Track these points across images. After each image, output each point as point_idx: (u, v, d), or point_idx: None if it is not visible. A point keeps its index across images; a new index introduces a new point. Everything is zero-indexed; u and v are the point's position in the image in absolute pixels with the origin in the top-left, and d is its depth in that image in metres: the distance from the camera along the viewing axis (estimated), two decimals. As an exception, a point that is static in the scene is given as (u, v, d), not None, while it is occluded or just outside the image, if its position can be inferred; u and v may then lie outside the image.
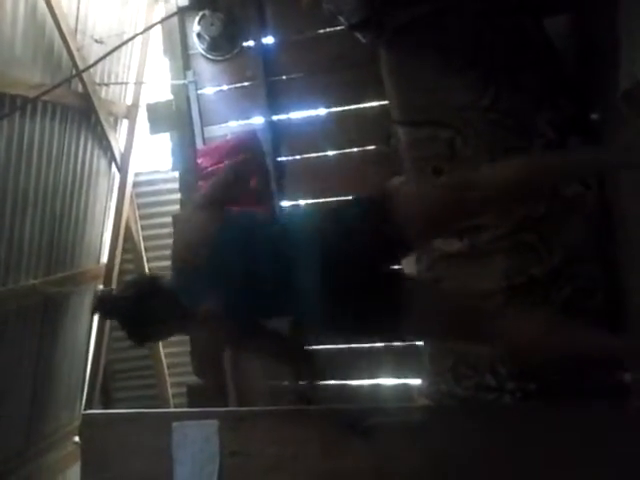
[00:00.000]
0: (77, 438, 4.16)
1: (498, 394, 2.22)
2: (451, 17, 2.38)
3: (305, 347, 1.95)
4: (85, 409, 4.45)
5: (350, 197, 1.91)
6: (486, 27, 2.37)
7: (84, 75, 3.90)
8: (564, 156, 1.87)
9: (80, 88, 4.06)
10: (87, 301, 4.63)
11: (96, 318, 3.66)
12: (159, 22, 3.51)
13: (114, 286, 4.45)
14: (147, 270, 4.81)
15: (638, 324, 2.01)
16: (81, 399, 4.68)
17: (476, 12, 2.39)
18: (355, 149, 3.34)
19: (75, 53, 3.82)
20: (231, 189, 1.96)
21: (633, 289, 2.06)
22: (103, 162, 4.54)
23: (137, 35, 3.65)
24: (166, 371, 4.83)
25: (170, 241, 3.92)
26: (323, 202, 3.18)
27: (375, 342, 1.96)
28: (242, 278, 1.77)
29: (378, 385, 3.24)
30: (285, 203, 3.50)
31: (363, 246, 1.68)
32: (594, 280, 2.23)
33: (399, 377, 3.17)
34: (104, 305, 2.02)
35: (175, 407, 4.63)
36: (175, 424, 2.28)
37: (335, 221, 1.76)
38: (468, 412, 2.04)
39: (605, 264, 2.23)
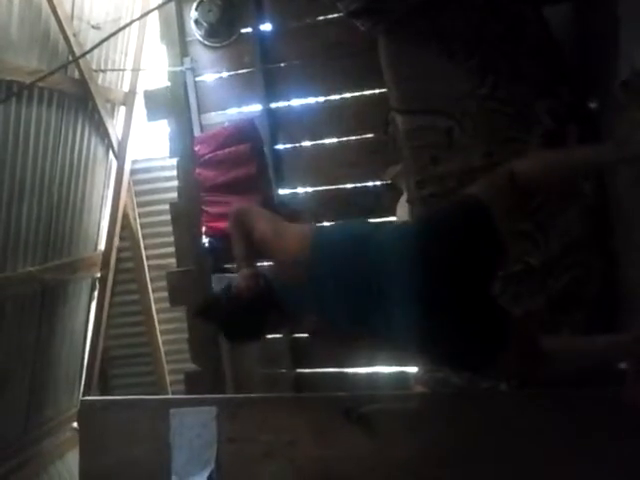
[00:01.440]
0: (75, 424, 4.19)
1: (494, 382, 2.23)
2: (450, 6, 2.37)
3: None
4: (83, 395, 4.47)
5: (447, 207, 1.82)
6: (485, 16, 2.35)
7: (80, 61, 3.88)
8: (566, 154, 1.86)
9: (77, 74, 4.04)
10: (85, 288, 4.64)
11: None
12: (156, 8, 3.48)
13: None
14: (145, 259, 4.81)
15: (633, 313, 2.02)
16: (79, 385, 4.71)
17: (476, 1, 2.37)
18: (353, 137, 3.34)
19: (71, 39, 3.79)
20: None
21: (628, 278, 2.06)
22: (100, 149, 4.52)
23: (134, 21, 3.61)
24: (164, 358, 4.85)
25: (168, 228, 3.97)
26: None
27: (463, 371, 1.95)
28: (345, 289, 1.73)
29: (375, 373, 3.26)
30: (283, 191, 3.50)
31: (475, 259, 1.60)
32: (590, 269, 2.24)
33: (396, 365, 3.19)
34: (209, 312, 2.02)
35: (173, 394, 4.65)
36: (173, 410, 2.30)
37: (446, 231, 1.64)
38: (464, 400, 2.05)
39: (601, 253, 2.23)
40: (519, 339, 1.64)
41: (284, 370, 3.38)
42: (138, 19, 3.75)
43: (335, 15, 3.17)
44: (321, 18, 3.32)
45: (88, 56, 3.92)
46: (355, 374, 3.28)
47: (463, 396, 2.07)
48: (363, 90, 3.28)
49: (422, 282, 1.59)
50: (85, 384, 4.64)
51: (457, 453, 1.97)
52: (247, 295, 1.86)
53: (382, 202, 3.20)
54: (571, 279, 2.23)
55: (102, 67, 4.19)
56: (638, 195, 1.74)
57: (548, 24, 2.37)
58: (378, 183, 3.29)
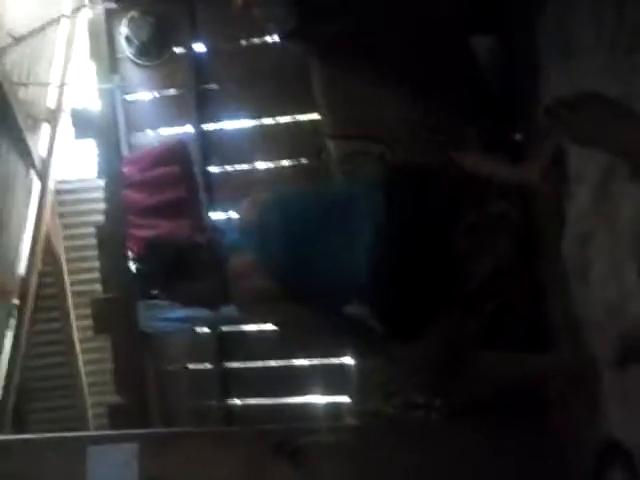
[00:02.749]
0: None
1: (425, 411, 2.21)
2: (382, 33, 2.39)
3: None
4: (-6, 434, 4.17)
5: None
6: (416, 44, 2.39)
7: (-1, 72, 3.68)
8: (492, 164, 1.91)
9: (-5, 86, 3.83)
10: (1, 315, 4.35)
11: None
12: (70, 16, 3.35)
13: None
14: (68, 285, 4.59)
15: (557, 340, 2.06)
16: (-9, 422, 4.38)
17: (407, 29, 2.41)
18: (287, 161, 3.31)
19: (-11, 49, 3.59)
20: None
21: (553, 305, 2.11)
22: (20, 168, 4.29)
23: (44, 27, 3.46)
24: (86, 390, 4.61)
25: (93, 252, 3.81)
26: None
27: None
28: (300, 245, 1.69)
29: (306, 403, 3.20)
30: (214, 215, 3.42)
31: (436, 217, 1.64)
32: (518, 295, 2.27)
33: (327, 395, 3.14)
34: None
35: (96, 428, 4.42)
36: (90, 448, 2.16)
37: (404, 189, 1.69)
38: (396, 430, 2.03)
39: (527, 281, 2.28)
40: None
41: (214, 402, 3.26)
42: (46, 27, 3.59)
43: (270, 38, 3.16)
44: (256, 40, 3.30)
45: (8, 67, 3.73)
46: (288, 405, 3.21)
47: (395, 427, 2.04)
48: (297, 114, 3.27)
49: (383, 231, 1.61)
50: (-3, 421, 4.32)
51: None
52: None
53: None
54: (498, 306, 2.26)
55: (24, 80, 4.00)
56: (559, 224, 1.78)
57: (475, 53, 2.43)
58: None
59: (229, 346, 3.26)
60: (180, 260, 1.74)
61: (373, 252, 1.61)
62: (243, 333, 3.27)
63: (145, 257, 1.92)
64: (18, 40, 3.23)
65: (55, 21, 3.72)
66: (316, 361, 3.11)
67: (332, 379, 3.03)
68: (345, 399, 2.80)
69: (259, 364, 3.25)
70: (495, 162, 2.11)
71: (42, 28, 3.56)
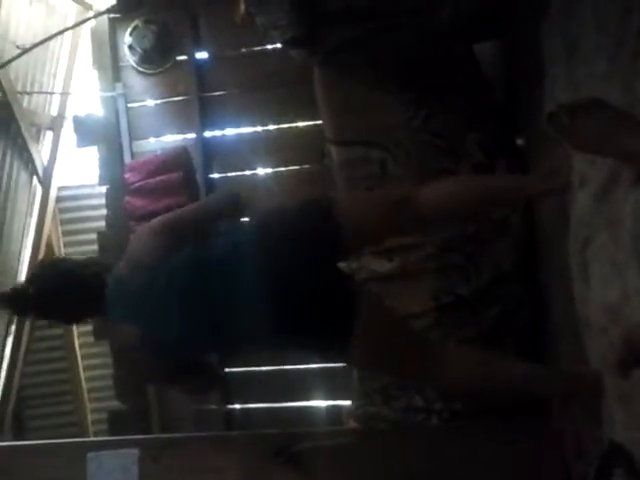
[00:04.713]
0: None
1: (426, 415, 2.21)
2: (385, 39, 2.41)
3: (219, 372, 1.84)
4: (-7, 440, 4.15)
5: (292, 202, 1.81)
6: (418, 50, 2.41)
7: (3, 81, 3.70)
8: (491, 181, 1.90)
9: (-1, 95, 3.85)
10: (1, 322, 4.35)
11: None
12: (73, 27, 3.38)
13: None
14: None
15: (559, 344, 2.07)
16: (-10, 429, 4.36)
17: (409, 35, 2.43)
18: (289, 168, 3.33)
19: (-6, 58, 3.62)
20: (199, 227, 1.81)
21: (554, 309, 2.11)
22: (23, 175, 4.30)
23: (50, 38, 3.48)
24: (86, 396, 4.60)
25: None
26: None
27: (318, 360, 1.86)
28: (182, 302, 1.66)
29: (306, 407, 3.19)
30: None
31: (310, 247, 1.61)
32: (519, 300, 2.28)
33: (328, 399, 3.13)
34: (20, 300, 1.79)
35: (96, 434, 4.40)
36: (90, 454, 2.16)
37: (279, 224, 1.67)
38: (396, 435, 2.02)
39: (530, 285, 2.28)
40: (370, 308, 1.65)
41: (214, 406, 3.25)
42: (52, 37, 3.62)
43: (272, 45, 3.18)
44: (258, 48, 3.33)
45: (12, 77, 3.75)
46: (287, 409, 3.20)
47: (396, 431, 2.04)
48: (300, 121, 3.29)
49: (271, 276, 1.60)
50: (-4, 427, 4.30)
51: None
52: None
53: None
54: (501, 310, 2.26)
55: (28, 89, 4.02)
56: (562, 228, 1.79)
57: (477, 60, 2.45)
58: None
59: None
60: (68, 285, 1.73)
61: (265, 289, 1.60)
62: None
63: (36, 277, 1.86)
64: (25, 51, 3.24)
65: (60, 32, 3.75)
66: (316, 365, 3.10)
67: (332, 383, 3.03)
68: (345, 403, 2.79)
69: (259, 368, 3.24)
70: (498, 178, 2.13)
71: (47, 39, 3.59)
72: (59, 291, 1.74)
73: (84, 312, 1.83)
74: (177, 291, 1.67)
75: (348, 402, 2.62)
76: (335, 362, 1.84)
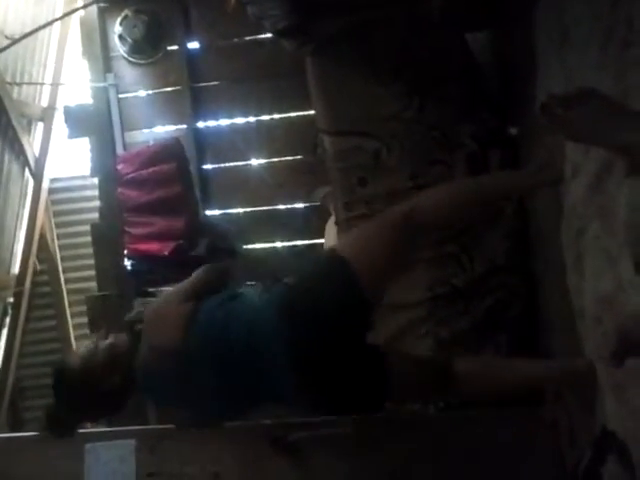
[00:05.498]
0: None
1: (423, 405, 2.22)
2: (377, 29, 2.40)
3: None
4: (-10, 432, 4.15)
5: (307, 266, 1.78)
6: (411, 40, 2.40)
7: (-7, 73, 3.67)
8: (485, 181, 1.89)
9: (-11, 87, 3.81)
10: (-5, 312, 4.35)
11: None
12: (62, 17, 3.34)
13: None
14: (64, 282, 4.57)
15: (553, 335, 2.08)
16: (-14, 421, 4.37)
17: (402, 25, 2.42)
18: (282, 158, 3.32)
19: (-18, 49, 3.58)
20: (211, 286, 1.76)
21: (548, 300, 2.12)
22: (15, 166, 4.28)
23: (39, 28, 3.45)
24: (82, 388, 4.59)
25: (88, 250, 3.81)
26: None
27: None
28: (217, 379, 1.63)
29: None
30: (209, 211, 3.42)
31: (343, 317, 1.57)
32: (513, 291, 2.29)
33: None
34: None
35: (92, 426, 4.40)
36: (87, 445, 2.16)
37: (310, 297, 1.60)
38: (394, 424, 2.03)
39: (524, 276, 2.29)
40: (397, 375, 1.63)
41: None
42: (42, 27, 3.58)
43: (264, 35, 3.16)
44: (249, 38, 3.31)
45: (1, 67, 3.72)
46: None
47: (393, 420, 2.05)
48: (292, 111, 3.28)
49: (299, 353, 1.56)
50: (-8, 419, 4.31)
51: (388, 478, 1.94)
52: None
53: (311, 224, 3.18)
54: (495, 301, 2.27)
55: (18, 80, 3.98)
56: (555, 218, 1.79)
57: (471, 50, 2.44)
58: (307, 205, 3.28)
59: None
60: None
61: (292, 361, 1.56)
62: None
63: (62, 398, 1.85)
64: (14, 42, 3.21)
65: (49, 23, 3.70)
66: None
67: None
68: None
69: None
70: (489, 174, 2.13)
71: (36, 29, 3.54)
72: (95, 406, 1.75)
73: (121, 406, 1.80)
74: (210, 366, 1.63)
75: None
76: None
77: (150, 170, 3.33)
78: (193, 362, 1.61)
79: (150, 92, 3.52)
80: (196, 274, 1.78)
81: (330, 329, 1.56)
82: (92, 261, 3.60)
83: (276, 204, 3.34)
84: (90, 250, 3.60)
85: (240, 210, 3.41)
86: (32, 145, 4.37)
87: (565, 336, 1.83)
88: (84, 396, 1.71)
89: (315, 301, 1.58)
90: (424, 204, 1.66)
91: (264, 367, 1.59)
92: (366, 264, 1.58)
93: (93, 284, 3.59)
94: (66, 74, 4.48)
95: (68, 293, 4.61)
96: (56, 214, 4.63)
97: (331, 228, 2.87)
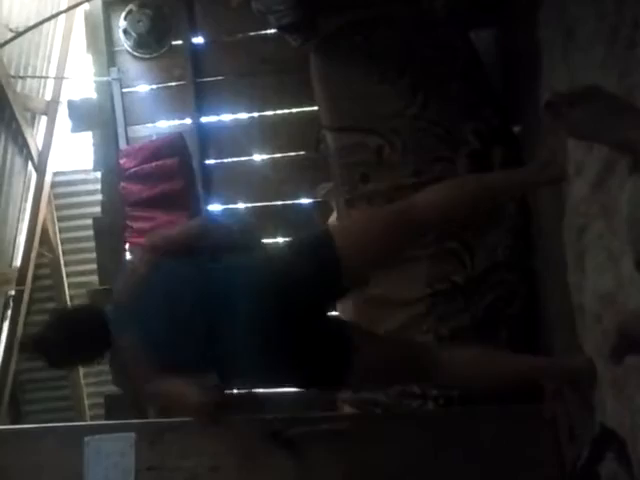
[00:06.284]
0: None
1: (422, 401, 2.23)
2: (381, 25, 2.40)
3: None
4: (-10, 424, 4.16)
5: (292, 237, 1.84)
6: (415, 37, 2.40)
7: (-4, 66, 3.67)
8: (487, 179, 1.89)
9: (-8, 80, 3.81)
10: (-4, 305, 4.35)
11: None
12: (67, 10, 3.35)
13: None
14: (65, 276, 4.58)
15: (553, 332, 2.08)
16: (-13, 414, 4.38)
17: (406, 22, 2.42)
18: (284, 154, 3.32)
19: (-14, 41, 3.58)
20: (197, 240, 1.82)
21: (548, 297, 2.12)
22: (18, 160, 4.27)
23: (44, 21, 3.45)
24: (82, 381, 4.60)
25: (90, 244, 3.82)
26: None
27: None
28: (171, 320, 1.68)
29: (303, 393, 3.20)
30: (212, 207, 3.42)
31: (310, 284, 1.61)
32: (514, 288, 2.29)
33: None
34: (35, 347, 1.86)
35: (92, 419, 4.42)
36: (87, 438, 2.17)
37: (280, 258, 1.70)
38: (392, 420, 2.04)
39: (524, 272, 2.29)
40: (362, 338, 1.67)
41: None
42: (47, 20, 3.58)
43: (268, 31, 3.16)
44: (254, 33, 3.30)
45: (5, 61, 3.71)
46: (285, 394, 3.22)
47: (391, 416, 2.05)
48: (295, 107, 3.28)
49: (259, 303, 1.61)
50: (-7, 412, 4.32)
51: (386, 474, 1.95)
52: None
53: (313, 220, 3.18)
54: (495, 298, 2.28)
55: (22, 73, 3.98)
56: (557, 216, 1.79)
57: (475, 48, 2.44)
58: (309, 200, 3.28)
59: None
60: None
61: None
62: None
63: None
64: (18, 35, 3.21)
65: (54, 16, 3.70)
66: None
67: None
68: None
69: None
70: (493, 172, 2.13)
71: (41, 22, 3.54)
72: (71, 343, 1.77)
73: (100, 349, 1.82)
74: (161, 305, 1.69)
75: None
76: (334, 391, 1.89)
77: (153, 165, 3.33)
78: (150, 302, 1.70)
79: (154, 87, 3.52)
80: (187, 225, 1.86)
81: (297, 300, 1.61)
82: (94, 255, 3.60)
83: (278, 200, 3.34)
84: (92, 244, 3.61)
85: (242, 206, 3.41)
86: (35, 139, 4.36)
87: (565, 334, 1.83)
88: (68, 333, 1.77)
89: (290, 271, 1.63)
90: (423, 201, 1.67)
91: (222, 331, 1.63)
92: (352, 247, 1.63)
93: (94, 278, 3.60)
94: (70, 68, 4.47)
95: (70, 286, 4.60)
96: (58, 208, 4.62)
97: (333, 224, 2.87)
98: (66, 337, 1.76)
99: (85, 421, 4.35)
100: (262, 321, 1.61)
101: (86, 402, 4.58)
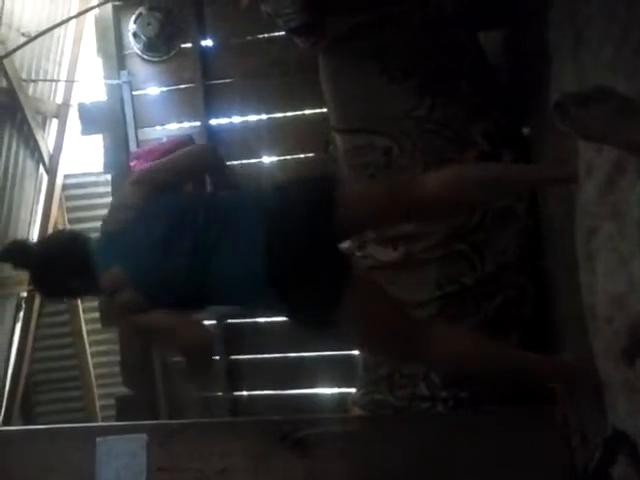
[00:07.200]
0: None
1: (431, 403, 2.22)
2: (390, 27, 2.40)
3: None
4: (3, 425, 4.19)
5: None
6: (424, 38, 2.39)
7: (9, 69, 3.70)
8: (498, 169, 1.89)
9: (5, 83, 3.85)
10: (9, 308, 4.38)
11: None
12: (77, 15, 3.36)
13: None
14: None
15: (563, 334, 2.07)
16: (-1, 413, 4.42)
17: (414, 23, 2.41)
18: (293, 156, 3.32)
19: (-2, 45, 3.62)
20: (185, 175, 1.89)
21: (559, 299, 2.11)
22: (30, 163, 4.32)
23: (55, 26, 3.48)
24: (94, 382, 4.64)
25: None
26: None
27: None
28: (166, 250, 1.64)
29: (312, 395, 3.21)
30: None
31: (311, 220, 1.62)
32: (524, 290, 2.28)
33: (333, 386, 3.15)
34: (14, 251, 1.80)
35: (103, 420, 4.45)
36: (99, 439, 2.18)
37: (282, 193, 1.70)
38: (402, 422, 2.03)
39: (534, 274, 2.28)
40: (359, 280, 1.67)
41: (220, 393, 3.28)
42: (59, 25, 3.61)
43: (277, 33, 3.17)
44: (262, 35, 3.31)
45: (18, 65, 3.75)
46: (293, 396, 3.22)
47: (401, 418, 2.05)
48: (304, 109, 3.28)
49: (268, 235, 1.60)
50: (5, 412, 4.33)
51: (395, 476, 1.94)
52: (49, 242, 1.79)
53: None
54: (505, 300, 2.27)
55: (33, 77, 4.02)
56: (567, 218, 1.78)
57: (483, 49, 2.43)
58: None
59: (235, 338, 3.27)
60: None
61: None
62: (249, 325, 3.29)
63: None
64: (30, 40, 3.24)
65: (65, 21, 3.74)
66: (322, 353, 3.12)
67: (338, 371, 3.05)
68: (350, 391, 2.80)
69: (265, 356, 3.26)
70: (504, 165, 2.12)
71: (52, 27, 3.58)
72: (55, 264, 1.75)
73: (86, 276, 1.76)
74: (165, 236, 1.67)
75: (353, 390, 2.64)
76: (323, 332, 1.83)
77: (163, 167, 3.34)
78: (144, 231, 1.69)
79: (163, 89, 3.53)
80: (186, 152, 1.95)
81: (297, 228, 1.61)
82: (105, 257, 3.62)
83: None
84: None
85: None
86: (46, 142, 4.41)
87: (576, 336, 1.82)
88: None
89: (293, 196, 1.67)
90: (434, 181, 1.67)
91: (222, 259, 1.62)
92: (353, 193, 1.73)
93: (105, 279, 3.63)
94: (81, 71, 4.51)
95: (81, 288, 4.63)
96: (69, 210, 4.66)
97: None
98: (50, 258, 1.73)
99: (96, 422, 4.38)
100: (263, 246, 1.60)
101: (97, 403, 4.61)
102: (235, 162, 3.41)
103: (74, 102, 4.39)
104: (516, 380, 1.81)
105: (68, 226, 4.67)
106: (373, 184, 1.85)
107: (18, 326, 4.47)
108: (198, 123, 3.43)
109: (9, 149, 4.06)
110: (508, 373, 1.75)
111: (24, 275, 4.37)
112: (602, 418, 1.56)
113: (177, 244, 1.66)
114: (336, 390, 3.15)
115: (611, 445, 1.49)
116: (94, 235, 1.83)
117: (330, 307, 1.61)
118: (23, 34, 3.61)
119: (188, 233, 1.66)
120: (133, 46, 3.53)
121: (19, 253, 1.79)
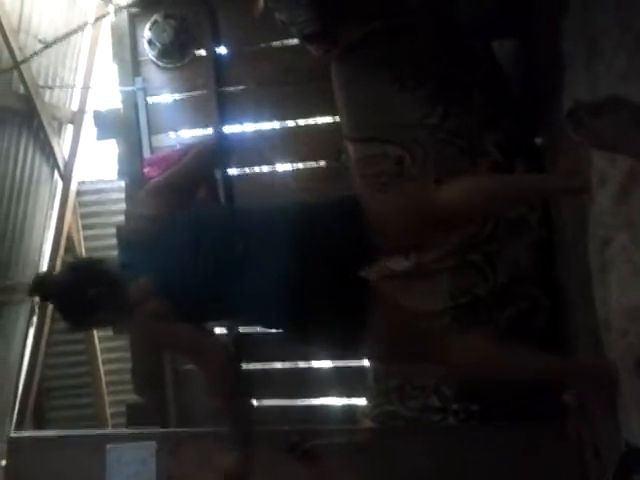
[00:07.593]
0: (3, 462, 3.93)
1: (442, 415, 2.20)
2: (403, 35, 2.39)
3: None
4: (15, 430, 4.21)
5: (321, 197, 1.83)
6: (437, 47, 2.39)
7: (26, 76, 3.75)
8: (512, 180, 1.87)
9: (22, 89, 3.90)
10: (23, 314, 4.42)
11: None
12: (93, 22, 3.40)
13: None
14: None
15: (577, 345, 2.04)
16: (11, 419, 4.43)
17: (428, 32, 2.41)
18: (306, 164, 3.32)
19: (17, 52, 3.66)
20: (198, 177, 1.92)
21: (572, 310, 2.08)
22: (45, 169, 4.36)
23: (71, 33, 3.51)
24: (105, 389, 4.65)
25: (113, 252, 3.86)
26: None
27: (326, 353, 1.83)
28: (190, 266, 1.63)
29: (321, 406, 3.19)
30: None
31: (338, 246, 1.60)
32: (536, 301, 2.25)
33: (343, 397, 3.12)
34: (42, 287, 1.79)
35: (114, 427, 4.45)
36: (109, 446, 2.19)
37: (311, 216, 1.68)
38: (412, 434, 2.01)
39: (547, 285, 2.25)
40: (380, 302, 1.66)
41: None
42: (74, 32, 3.65)
43: (290, 41, 3.17)
44: (276, 43, 3.32)
45: (34, 71, 3.80)
46: (302, 407, 3.20)
47: (411, 430, 2.03)
48: (317, 117, 3.28)
49: (285, 260, 1.58)
50: (17, 418, 4.36)
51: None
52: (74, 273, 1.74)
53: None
54: (518, 311, 2.24)
55: (50, 84, 4.06)
56: (580, 228, 1.76)
57: (496, 58, 2.42)
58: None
59: (246, 347, 3.26)
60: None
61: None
62: (260, 334, 3.28)
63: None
64: (47, 46, 3.28)
65: (80, 28, 3.78)
66: (332, 363, 3.10)
67: (348, 381, 3.02)
68: (360, 402, 2.78)
69: (275, 365, 3.25)
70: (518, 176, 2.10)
71: (69, 34, 3.62)
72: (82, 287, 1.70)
73: (110, 297, 1.71)
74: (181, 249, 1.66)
75: (363, 401, 2.62)
76: (348, 354, 1.81)
77: (175, 174, 3.35)
78: (168, 243, 1.67)
79: (177, 96, 3.55)
80: (190, 155, 1.95)
81: (328, 251, 1.60)
82: (118, 263, 3.64)
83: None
84: (116, 252, 3.64)
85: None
86: (62, 148, 4.45)
87: (590, 348, 1.79)
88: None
89: (321, 222, 1.64)
90: (450, 193, 1.66)
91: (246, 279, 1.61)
92: (378, 212, 1.66)
93: (118, 285, 3.64)
94: (96, 78, 4.56)
95: (94, 294, 4.65)
96: (83, 216, 4.70)
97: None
98: (74, 290, 1.70)
99: (107, 429, 4.39)
100: (291, 269, 1.58)
101: (108, 410, 4.62)
102: (247, 170, 3.42)
103: (89, 109, 4.44)
104: (534, 383, 1.77)
105: (82, 232, 4.71)
106: (397, 200, 1.77)
107: (31, 332, 4.50)
108: (211, 130, 3.44)
109: (25, 155, 4.11)
110: (528, 376, 1.72)
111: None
112: (616, 432, 1.53)
113: (203, 258, 1.65)
114: (346, 401, 3.13)
115: (625, 461, 1.46)
116: (112, 255, 1.81)
117: (356, 332, 1.62)
118: (40, 41, 3.65)
119: (214, 248, 1.65)
120: (148, 53, 3.56)
121: (45, 287, 1.79)
